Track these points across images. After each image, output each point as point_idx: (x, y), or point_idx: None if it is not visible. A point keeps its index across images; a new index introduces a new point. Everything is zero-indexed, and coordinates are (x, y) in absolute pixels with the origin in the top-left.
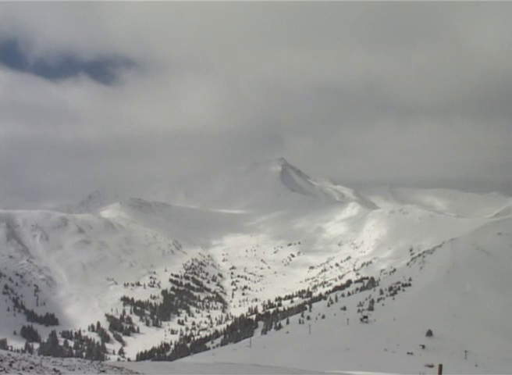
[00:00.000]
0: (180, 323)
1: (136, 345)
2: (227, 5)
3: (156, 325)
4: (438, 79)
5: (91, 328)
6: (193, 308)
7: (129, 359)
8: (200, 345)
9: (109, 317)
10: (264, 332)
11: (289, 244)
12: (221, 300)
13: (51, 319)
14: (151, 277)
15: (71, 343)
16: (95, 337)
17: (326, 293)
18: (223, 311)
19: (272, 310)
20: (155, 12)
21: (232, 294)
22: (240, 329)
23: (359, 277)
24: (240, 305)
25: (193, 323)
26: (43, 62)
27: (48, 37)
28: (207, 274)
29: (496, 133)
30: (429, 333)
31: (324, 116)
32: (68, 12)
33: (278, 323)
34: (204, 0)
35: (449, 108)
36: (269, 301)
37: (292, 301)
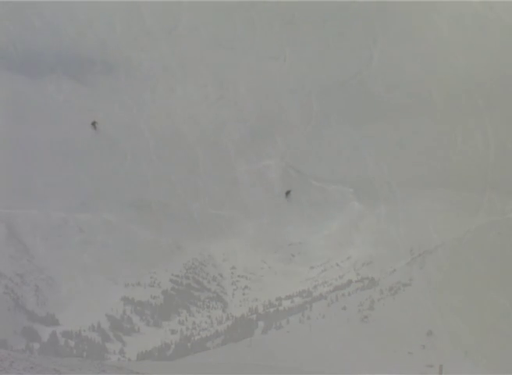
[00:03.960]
0: (180, 322)
1: (136, 345)
2: (187, 4)
3: (156, 325)
4: (412, 78)
5: (92, 328)
6: (193, 308)
7: (129, 359)
8: (200, 345)
9: (110, 317)
10: (264, 332)
11: (290, 244)
12: (221, 300)
13: (51, 319)
14: (151, 277)
15: (71, 343)
16: (95, 337)
17: (326, 293)
18: (223, 311)
19: (272, 310)
20: (111, 14)
21: (233, 294)
22: (241, 329)
23: (359, 277)
24: (240, 305)
25: (194, 323)
26: None
27: None
28: (207, 274)
29: (496, 132)
30: (429, 333)
31: (313, 116)
32: (12, 11)
33: (278, 323)
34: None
35: (439, 106)
36: (269, 301)
37: (292, 301)
